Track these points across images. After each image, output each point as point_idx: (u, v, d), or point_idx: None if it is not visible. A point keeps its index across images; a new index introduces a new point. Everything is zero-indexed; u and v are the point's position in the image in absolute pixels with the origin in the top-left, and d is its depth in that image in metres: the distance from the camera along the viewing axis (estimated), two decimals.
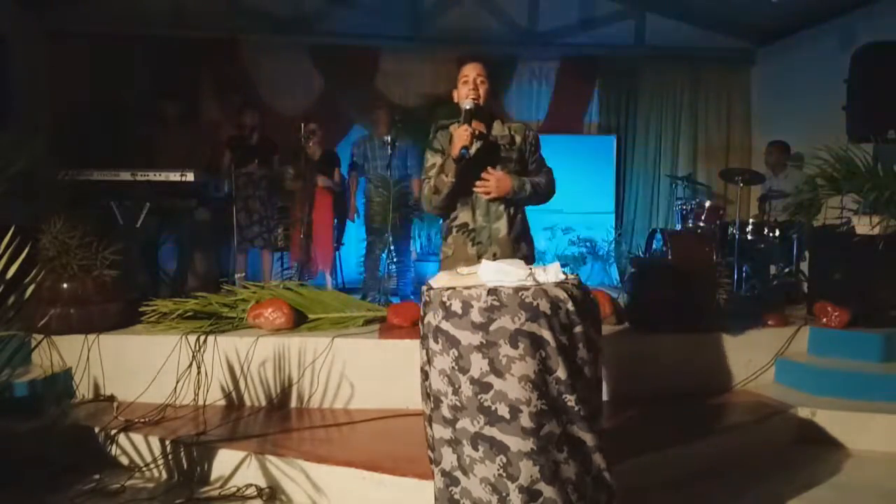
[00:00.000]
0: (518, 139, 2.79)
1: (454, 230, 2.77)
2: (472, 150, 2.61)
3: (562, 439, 2.04)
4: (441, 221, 2.90)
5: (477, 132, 2.65)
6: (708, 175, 7.44)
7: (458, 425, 2.07)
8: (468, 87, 2.69)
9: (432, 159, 2.76)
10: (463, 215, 2.76)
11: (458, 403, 2.07)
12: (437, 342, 2.11)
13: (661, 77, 7.49)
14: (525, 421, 1.99)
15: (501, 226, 2.74)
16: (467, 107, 2.64)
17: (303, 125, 5.42)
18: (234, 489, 2.79)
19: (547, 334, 2.02)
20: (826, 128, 5.05)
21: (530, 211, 2.91)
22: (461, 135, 2.58)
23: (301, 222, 5.44)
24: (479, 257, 2.64)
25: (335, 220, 5.88)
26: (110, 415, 3.23)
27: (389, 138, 5.49)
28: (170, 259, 5.11)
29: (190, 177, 4.31)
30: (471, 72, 2.70)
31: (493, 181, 2.69)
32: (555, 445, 2.02)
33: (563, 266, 2.31)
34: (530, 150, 2.82)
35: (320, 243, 5.69)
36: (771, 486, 2.96)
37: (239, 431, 3.08)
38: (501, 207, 2.75)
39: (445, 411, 2.10)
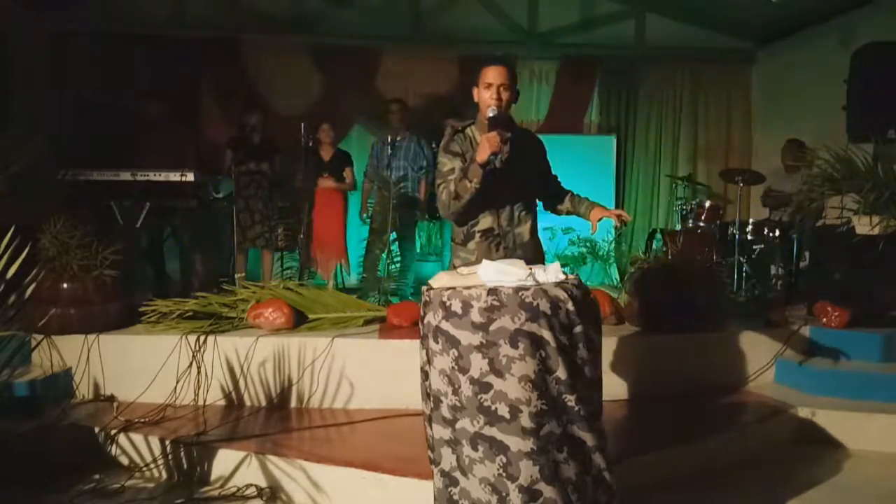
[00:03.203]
0: (538, 149, 2.86)
1: (477, 235, 2.69)
2: (503, 156, 2.54)
3: (562, 439, 2.04)
4: (451, 225, 2.81)
5: (507, 139, 2.58)
6: (708, 175, 7.44)
7: (458, 425, 2.07)
8: (490, 94, 2.60)
9: (450, 164, 2.65)
10: (486, 220, 2.68)
11: (457, 403, 2.07)
12: (437, 342, 2.12)
13: (661, 77, 7.48)
14: (525, 421, 1.99)
15: (525, 230, 2.72)
16: (491, 114, 2.56)
17: (304, 125, 5.40)
18: (234, 489, 2.79)
19: (547, 334, 2.02)
20: (826, 128, 5.05)
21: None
22: (492, 140, 2.49)
23: (302, 222, 5.44)
24: None
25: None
26: (110, 415, 3.22)
27: (390, 138, 5.49)
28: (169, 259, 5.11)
29: (190, 177, 4.30)
30: (495, 78, 2.60)
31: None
32: (555, 445, 2.02)
33: (563, 266, 2.31)
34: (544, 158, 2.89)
35: (330, 242, 5.67)
36: (771, 486, 2.96)
37: (239, 431, 3.08)
38: (525, 212, 2.73)
39: (445, 411, 2.10)
